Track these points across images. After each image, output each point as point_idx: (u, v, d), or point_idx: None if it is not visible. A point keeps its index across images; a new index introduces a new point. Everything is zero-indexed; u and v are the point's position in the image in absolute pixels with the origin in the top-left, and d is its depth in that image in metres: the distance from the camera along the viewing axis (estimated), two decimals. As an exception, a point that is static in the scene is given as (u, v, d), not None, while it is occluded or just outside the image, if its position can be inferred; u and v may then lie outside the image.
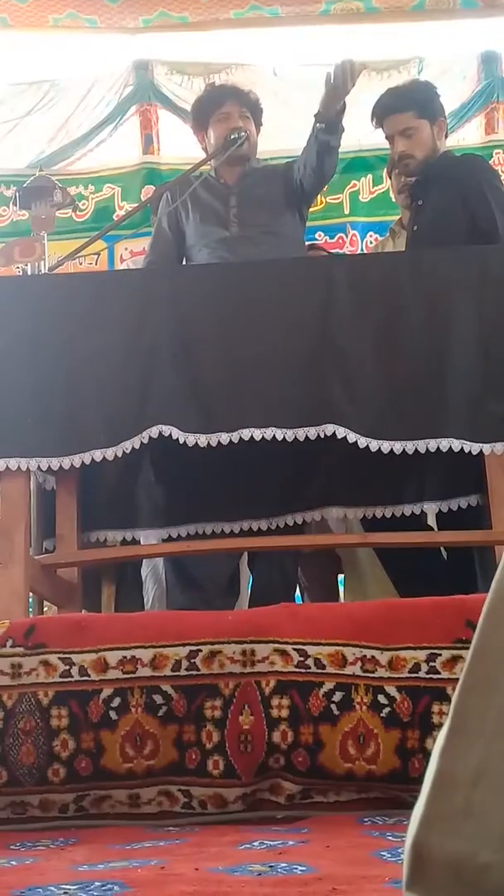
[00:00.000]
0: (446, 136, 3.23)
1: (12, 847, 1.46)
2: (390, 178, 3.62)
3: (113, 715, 1.65)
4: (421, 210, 3.16)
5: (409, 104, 3.15)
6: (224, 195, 3.24)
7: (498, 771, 0.68)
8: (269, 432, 2.40)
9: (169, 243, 3.27)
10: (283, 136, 4.28)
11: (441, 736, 0.71)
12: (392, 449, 2.40)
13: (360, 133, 5.07)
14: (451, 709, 0.71)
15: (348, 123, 5.13)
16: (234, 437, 2.41)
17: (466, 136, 4.97)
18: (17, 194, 3.24)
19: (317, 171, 3.17)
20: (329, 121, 3.07)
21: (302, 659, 1.66)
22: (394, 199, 3.71)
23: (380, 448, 2.40)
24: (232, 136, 3.21)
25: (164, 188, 3.69)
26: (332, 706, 1.63)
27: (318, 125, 3.09)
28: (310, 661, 1.66)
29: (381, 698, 1.63)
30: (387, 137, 3.26)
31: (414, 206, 3.22)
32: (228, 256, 3.09)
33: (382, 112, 3.20)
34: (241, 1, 4.99)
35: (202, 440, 2.41)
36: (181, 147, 5.03)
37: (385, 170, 3.82)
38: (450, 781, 0.69)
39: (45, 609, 2.90)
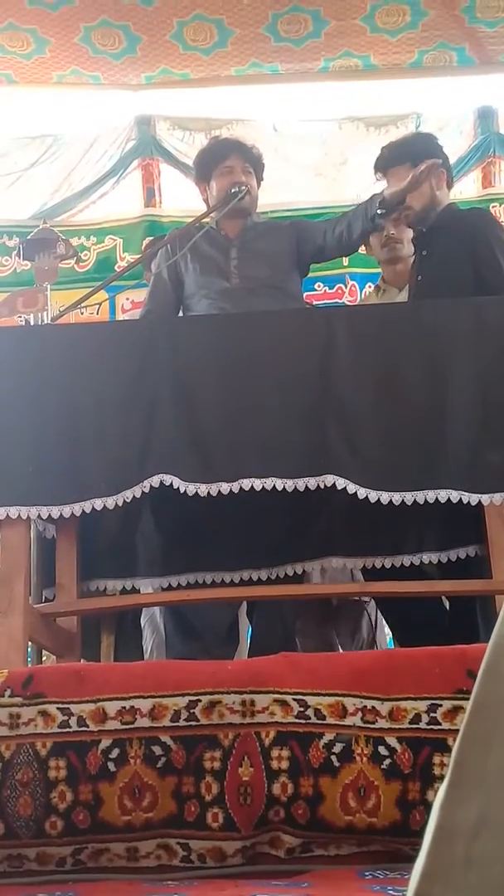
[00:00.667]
0: (450, 186, 3.27)
1: (9, 901, 1.44)
2: (366, 242, 3.64)
3: (111, 766, 1.64)
4: (426, 260, 3.21)
5: (405, 156, 3.20)
6: (225, 248, 3.29)
7: (498, 822, 0.68)
8: (268, 482, 2.41)
9: (168, 293, 3.31)
10: (282, 190, 4.37)
11: (442, 789, 0.72)
12: (391, 500, 2.40)
13: (359, 188, 5.17)
14: (451, 761, 0.72)
15: (347, 177, 5.24)
16: (235, 486, 2.42)
17: (464, 190, 5.05)
18: (21, 246, 3.28)
19: (348, 245, 3.29)
20: (390, 209, 3.12)
21: (302, 709, 1.65)
22: (373, 255, 3.76)
23: (379, 499, 2.41)
24: (233, 191, 3.26)
25: (160, 243, 3.75)
26: (333, 757, 1.62)
27: (378, 210, 3.11)
28: (310, 712, 1.65)
29: (382, 749, 1.62)
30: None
31: (418, 256, 3.27)
32: (228, 307, 3.12)
33: (383, 165, 3.26)
34: (241, 58, 5.10)
35: (202, 489, 2.42)
36: (182, 200, 5.11)
37: None
38: (450, 833, 0.69)
39: (44, 658, 2.89)
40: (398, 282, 3.55)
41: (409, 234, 3.47)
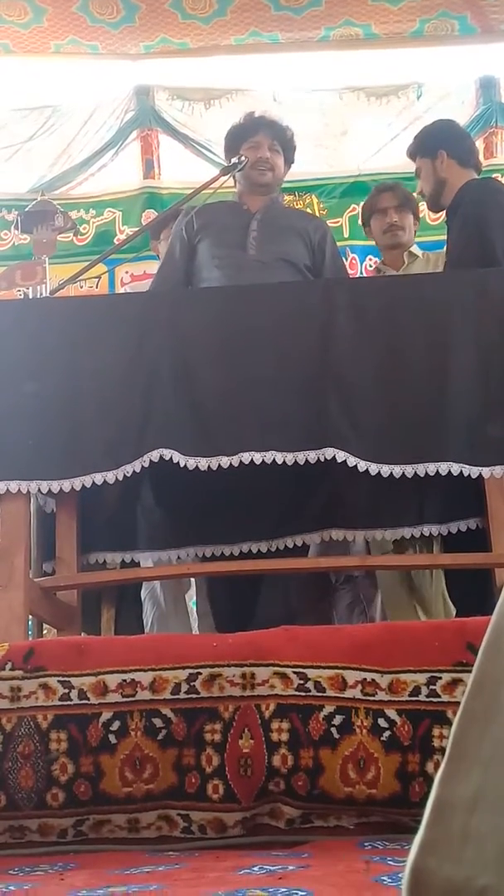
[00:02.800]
0: (467, 162, 3.30)
1: (11, 872, 1.45)
2: (367, 225, 3.76)
3: (112, 738, 1.65)
4: (448, 242, 3.28)
5: (414, 151, 3.37)
6: (246, 219, 3.25)
7: (494, 797, 0.69)
8: (268, 456, 2.41)
9: (177, 271, 3.26)
10: (282, 160, 4.31)
11: (442, 764, 0.73)
12: (391, 472, 2.40)
13: (360, 158, 5.14)
14: (450, 737, 0.73)
15: (348, 148, 5.20)
16: (234, 460, 2.41)
17: (466, 160, 5.01)
18: (19, 218, 3.26)
19: None
20: None
21: (302, 682, 1.65)
22: (374, 240, 3.81)
23: (379, 471, 2.40)
24: (233, 160, 3.24)
25: (165, 214, 3.72)
26: (333, 730, 1.62)
27: None
28: (310, 685, 1.65)
29: (382, 722, 1.62)
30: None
31: (448, 237, 3.33)
32: (240, 279, 3.08)
33: (409, 154, 3.42)
34: (241, 27, 5.04)
35: (202, 463, 2.42)
36: (182, 172, 5.08)
37: (360, 219, 3.92)
38: (448, 807, 0.70)
39: (45, 632, 2.89)
40: (396, 264, 3.66)
41: (410, 220, 3.61)
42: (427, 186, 3.28)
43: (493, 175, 4.99)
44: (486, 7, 4.97)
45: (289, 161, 3.40)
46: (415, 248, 3.63)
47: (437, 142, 3.31)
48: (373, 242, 4.47)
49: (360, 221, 3.97)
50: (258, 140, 3.31)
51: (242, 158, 3.23)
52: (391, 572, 3.13)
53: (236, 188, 3.39)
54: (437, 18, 5.05)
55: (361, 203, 5.02)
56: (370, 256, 4.91)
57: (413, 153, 3.36)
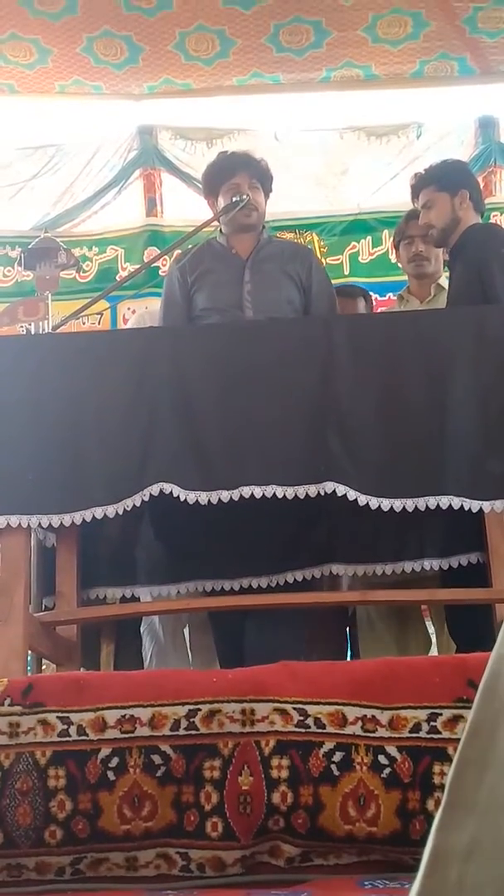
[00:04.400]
0: (479, 210, 3.33)
1: (7, 911, 1.43)
2: (397, 249, 3.75)
3: (111, 775, 1.63)
4: (451, 283, 3.31)
5: (430, 180, 3.34)
6: (237, 268, 3.24)
7: (491, 845, 0.68)
8: (269, 490, 2.41)
9: (181, 314, 3.27)
10: (283, 199, 4.37)
11: (438, 811, 0.72)
12: (392, 506, 2.40)
13: (360, 197, 5.19)
14: (447, 784, 0.72)
15: (348, 187, 5.25)
16: (235, 494, 2.42)
17: (465, 199, 5.06)
18: (23, 255, 3.29)
19: None
20: None
21: (302, 718, 1.64)
22: (402, 267, 3.83)
23: (379, 505, 2.40)
24: (234, 199, 3.26)
25: (170, 247, 3.75)
26: (333, 766, 1.61)
27: None
28: (310, 721, 1.64)
29: (382, 759, 1.61)
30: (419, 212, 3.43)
31: (450, 277, 3.37)
32: None
33: (413, 192, 3.40)
34: (243, 68, 5.11)
35: (203, 497, 2.42)
36: (184, 210, 5.13)
37: (392, 242, 3.92)
38: (444, 856, 0.70)
39: (44, 667, 2.88)
40: (422, 294, 3.64)
41: (438, 251, 3.56)
42: (440, 221, 3.27)
43: (493, 213, 5.05)
44: (486, 49, 5.04)
45: (268, 192, 3.42)
46: (443, 281, 3.60)
47: (462, 180, 3.35)
48: (374, 280, 4.51)
49: (392, 244, 3.97)
50: (237, 182, 3.31)
51: (244, 197, 3.26)
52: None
53: (221, 230, 3.39)
54: (436, 60, 5.12)
55: (361, 241, 5.10)
56: (370, 293, 4.94)
57: (428, 184, 3.32)
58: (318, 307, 3.22)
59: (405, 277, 3.87)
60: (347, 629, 3.32)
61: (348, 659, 3.35)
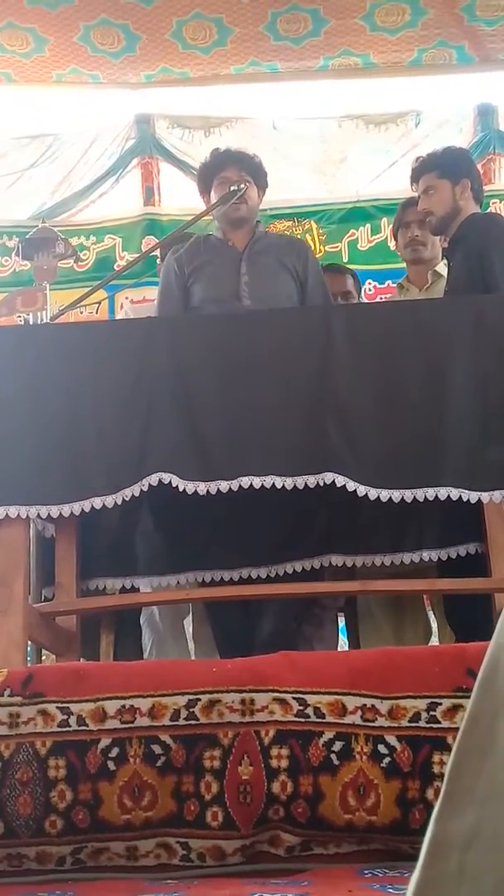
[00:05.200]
0: (479, 200, 3.31)
1: (8, 900, 1.44)
2: (396, 238, 3.75)
3: (111, 765, 1.64)
4: (450, 272, 3.29)
5: (432, 166, 3.32)
6: (234, 261, 3.26)
7: (489, 835, 0.69)
8: (268, 480, 2.41)
9: (180, 306, 3.29)
10: (282, 187, 4.36)
11: (438, 801, 0.73)
12: (391, 497, 2.40)
13: (359, 184, 5.18)
14: (446, 774, 0.72)
15: (347, 175, 5.24)
16: (234, 484, 2.42)
17: (464, 187, 5.05)
18: (20, 245, 3.28)
19: None
20: None
21: (301, 708, 1.65)
22: (399, 254, 3.83)
23: (378, 496, 2.40)
24: (231, 188, 3.27)
25: (169, 240, 3.75)
26: (332, 756, 1.61)
27: None
28: (309, 710, 1.65)
29: (382, 748, 1.61)
30: (418, 198, 3.40)
31: (447, 267, 3.35)
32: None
33: (413, 175, 3.38)
34: (241, 57, 5.09)
35: (202, 488, 2.42)
36: (182, 198, 5.12)
37: (391, 229, 3.92)
38: (443, 845, 0.70)
39: (44, 657, 2.89)
40: (420, 282, 3.63)
41: (434, 237, 3.55)
42: (441, 208, 3.26)
43: (492, 200, 5.05)
44: (484, 37, 5.02)
45: (262, 187, 3.43)
46: (440, 268, 3.59)
47: (464, 169, 3.33)
48: (373, 267, 4.51)
49: (391, 233, 3.97)
50: (226, 175, 3.35)
51: (242, 186, 3.26)
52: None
53: (216, 225, 3.41)
54: (435, 48, 5.10)
55: (360, 228, 5.09)
56: (369, 280, 4.94)
57: (429, 170, 3.30)
58: (313, 299, 3.23)
59: (404, 265, 3.86)
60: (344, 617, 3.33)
61: (347, 649, 3.36)
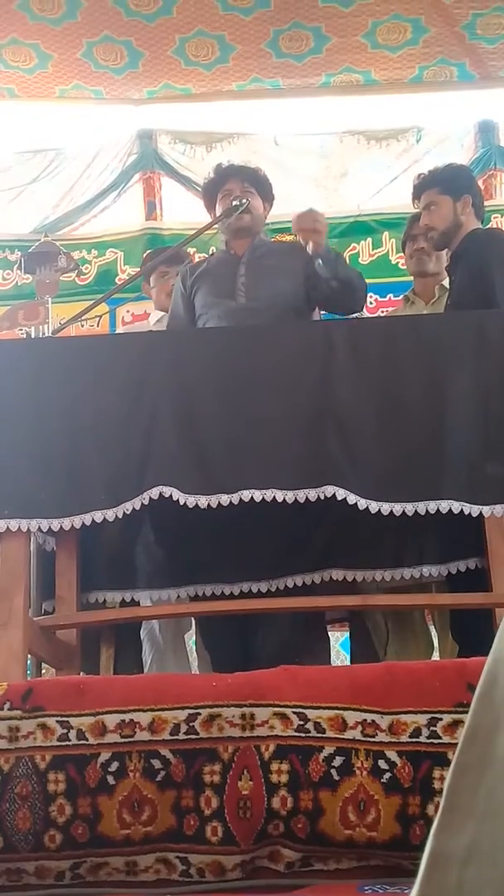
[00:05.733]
0: (480, 216, 3.33)
1: (7, 916, 1.43)
2: (404, 249, 3.77)
3: (111, 780, 1.63)
4: (453, 286, 3.31)
5: (433, 182, 3.35)
6: (233, 265, 3.30)
7: (489, 849, 0.68)
8: (269, 494, 2.41)
9: (184, 325, 3.31)
10: (283, 202, 4.36)
11: (437, 816, 0.72)
12: (392, 510, 2.40)
13: (360, 199, 5.20)
14: (444, 789, 0.72)
15: (348, 189, 5.26)
16: (235, 498, 2.42)
17: (465, 203, 5.08)
18: (22, 259, 3.29)
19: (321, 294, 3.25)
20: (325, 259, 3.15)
21: (302, 723, 1.64)
22: (406, 267, 3.84)
23: (379, 510, 2.40)
24: (234, 203, 3.28)
25: (160, 254, 3.78)
26: (333, 771, 1.61)
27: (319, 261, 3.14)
28: (309, 725, 1.64)
29: (382, 763, 1.61)
30: (420, 214, 3.43)
31: (450, 282, 3.37)
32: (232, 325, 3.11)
33: (415, 192, 3.41)
34: (243, 73, 5.12)
35: (202, 501, 2.42)
36: (183, 213, 5.14)
37: (402, 241, 3.93)
38: (443, 860, 0.70)
39: (44, 671, 2.88)
40: (426, 295, 3.65)
41: (441, 252, 3.55)
42: (442, 223, 3.28)
43: (493, 216, 5.07)
44: (485, 55, 5.06)
45: (268, 199, 3.46)
46: (447, 282, 3.58)
47: (465, 186, 3.36)
48: (374, 280, 4.51)
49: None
50: (229, 188, 3.37)
51: (244, 201, 3.28)
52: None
53: (220, 239, 3.44)
54: (436, 65, 5.13)
55: (361, 242, 5.11)
56: (370, 294, 4.94)
57: (431, 186, 3.33)
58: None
59: (405, 278, 3.88)
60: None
61: (349, 663, 3.35)
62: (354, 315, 3.35)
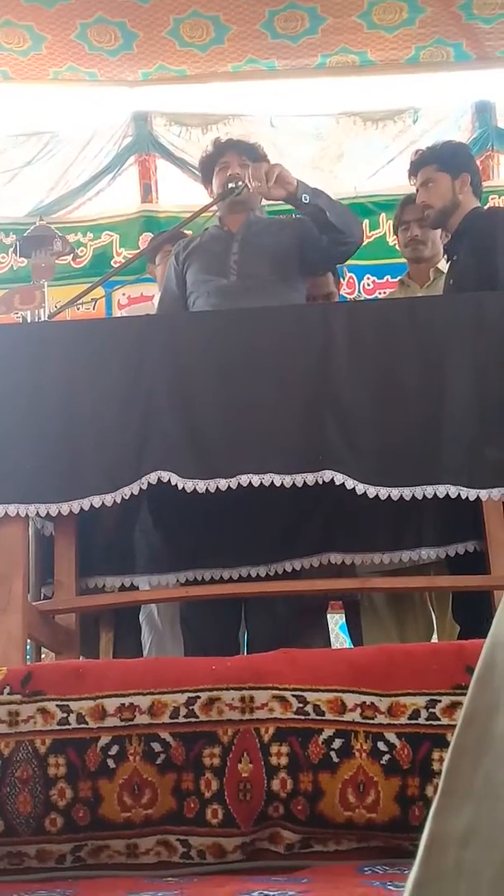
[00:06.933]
0: (478, 193, 3.31)
1: (9, 898, 1.44)
2: (396, 233, 3.74)
3: (111, 763, 1.64)
4: (455, 265, 3.28)
5: (431, 159, 3.31)
6: (227, 242, 3.28)
7: (487, 831, 0.69)
8: (267, 478, 2.41)
9: (177, 300, 3.30)
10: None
11: (435, 798, 0.73)
12: (389, 495, 2.40)
13: (357, 180, 5.18)
14: (443, 770, 0.72)
15: (345, 171, 5.24)
16: (233, 482, 2.42)
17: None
18: (18, 243, 3.28)
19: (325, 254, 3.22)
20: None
21: (301, 705, 1.65)
22: (400, 252, 3.81)
23: (377, 494, 2.40)
24: (230, 185, 3.26)
25: (163, 235, 3.76)
26: (332, 753, 1.62)
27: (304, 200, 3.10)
28: (309, 708, 1.65)
29: (381, 745, 1.62)
30: (416, 191, 3.38)
31: (450, 262, 3.33)
32: (221, 305, 3.10)
33: (413, 168, 3.37)
34: (238, 55, 5.09)
35: (200, 486, 2.42)
36: (179, 195, 5.12)
37: (392, 225, 3.91)
38: (441, 842, 0.70)
39: (43, 656, 2.89)
40: (421, 279, 3.62)
41: (434, 235, 3.54)
42: (439, 201, 3.25)
43: (490, 196, 5.05)
44: (481, 34, 5.03)
45: None
46: (442, 265, 3.57)
47: (464, 164, 3.32)
48: (372, 262, 4.50)
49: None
50: (226, 160, 3.35)
51: (239, 184, 3.26)
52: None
53: (218, 212, 3.41)
54: (432, 45, 5.10)
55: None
56: (368, 275, 4.95)
57: (429, 162, 3.29)
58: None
59: (402, 260, 3.87)
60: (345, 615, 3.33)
61: (349, 646, 3.36)
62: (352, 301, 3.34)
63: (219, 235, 3.34)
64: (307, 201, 3.06)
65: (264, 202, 3.51)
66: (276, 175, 3.03)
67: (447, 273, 3.35)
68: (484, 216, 3.25)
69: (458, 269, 3.22)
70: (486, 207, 3.48)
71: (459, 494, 2.39)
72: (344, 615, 3.41)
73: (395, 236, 3.83)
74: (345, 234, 3.14)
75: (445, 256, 3.43)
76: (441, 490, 2.40)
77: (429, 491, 2.40)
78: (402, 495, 2.40)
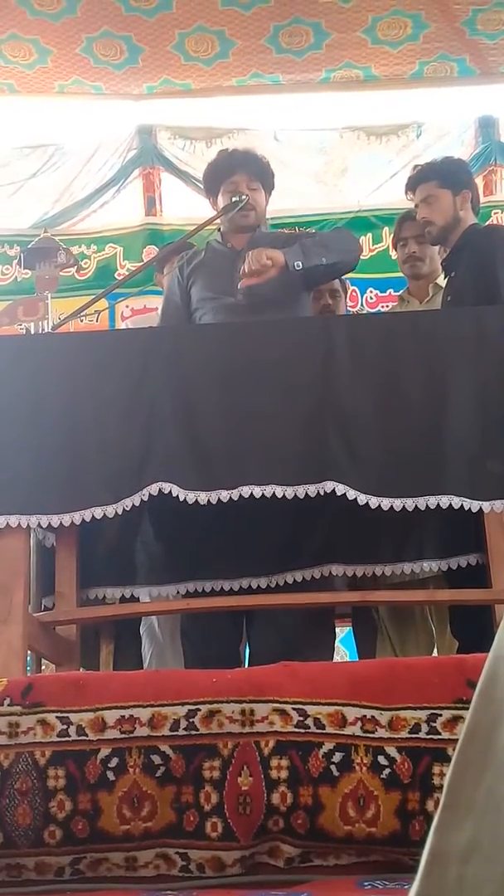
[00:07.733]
0: (476, 210, 3.31)
1: (7, 911, 1.43)
2: (395, 249, 3.75)
3: (110, 775, 1.63)
4: (452, 281, 3.28)
5: (432, 175, 3.31)
6: (231, 260, 3.27)
7: (488, 846, 0.68)
8: (268, 489, 2.41)
9: (179, 310, 3.30)
10: (283, 197, 4.37)
11: (437, 813, 0.72)
12: (391, 506, 2.40)
13: (360, 194, 5.20)
14: (445, 785, 0.72)
15: (348, 185, 5.26)
16: (234, 494, 2.42)
17: (465, 198, 5.08)
18: (22, 255, 3.29)
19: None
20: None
21: (301, 719, 1.64)
22: (399, 268, 3.82)
23: (379, 505, 2.40)
24: (233, 199, 3.27)
25: (171, 246, 3.76)
26: (332, 767, 1.61)
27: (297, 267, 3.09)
28: (309, 721, 1.64)
29: (382, 759, 1.61)
30: (415, 207, 3.38)
31: (448, 277, 3.34)
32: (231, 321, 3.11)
33: (411, 184, 3.37)
34: (243, 69, 5.11)
35: (202, 497, 2.42)
36: (183, 209, 5.14)
37: (391, 241, 3.92)
38: (443, 857, 0.70)
39: (44, 667, 2.88)
40: (421, 295, 3.63)
41: (433, 251, 3.54)
42: (441, 218, 3.25)
43: (493, 211, 5.07)
44: (485, 50, 5.05)
45: (269, 188, 3.42)
46: (441, 281, 3.56)
47: (465, 180, 3.33)
48: (375, 276, 4.51)
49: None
50: (235, 181, 3.32)
51: (243, 197, 3.26)
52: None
53: (221, 227, 3.41)
54: (436, 61, 5.13)
55: (362, 237, 5.11)
56: (370, 289, 4.95)
57: (429, 179, 3.29)
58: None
59: (406, 275, 3.87)
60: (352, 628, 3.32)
61: (350, 658, 3.35)
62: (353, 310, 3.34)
63: (223, 253, 3.34)
64: (300, 268, 3.06)
65: (268, 215, 3.52)
66: (262, 263, 3.02)
67: (445, 289, 3.36)
68: (482, 233, 3.26)
69: (456, 285, 3.23)
70: (484, 224, 3.49)
71: (462, 505, 2.39)
72: (352, 627, 3.40)
73: (394, 250, 3.84)
74: (344, 262, 3.19)
75: (443, 272, 3.43)
76: (444, 501, 2.40)
77: (431, 501, 2.40)
78: (404, 506, 2.40)
